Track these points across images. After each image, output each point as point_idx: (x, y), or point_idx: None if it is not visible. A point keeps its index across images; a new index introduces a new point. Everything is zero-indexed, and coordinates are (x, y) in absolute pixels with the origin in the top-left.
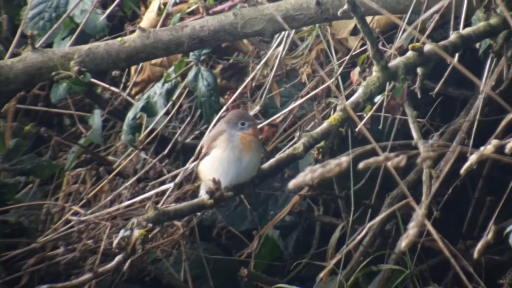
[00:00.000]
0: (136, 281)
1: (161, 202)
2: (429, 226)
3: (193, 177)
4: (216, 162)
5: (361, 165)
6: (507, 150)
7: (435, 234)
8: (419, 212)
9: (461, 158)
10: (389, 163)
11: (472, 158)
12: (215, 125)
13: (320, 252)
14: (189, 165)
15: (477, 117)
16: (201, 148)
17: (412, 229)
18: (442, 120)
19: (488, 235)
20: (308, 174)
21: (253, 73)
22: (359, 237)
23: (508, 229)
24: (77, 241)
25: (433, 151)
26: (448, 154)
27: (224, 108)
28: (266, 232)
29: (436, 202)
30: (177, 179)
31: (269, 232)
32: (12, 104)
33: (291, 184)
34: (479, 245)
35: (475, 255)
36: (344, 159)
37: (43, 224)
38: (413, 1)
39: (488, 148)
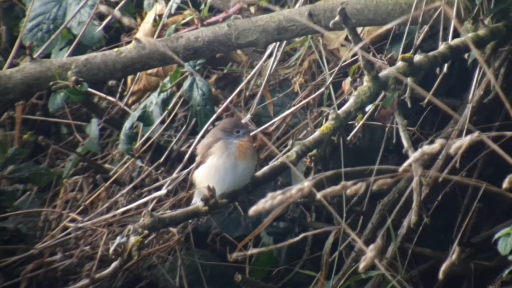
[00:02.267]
0: (132, 287)
1: (151, 208)
2: None
3: (188, 184)
4: (213, 169)
5: (319, 195)
6: (452, 150)
7: None
8: (378, 238)
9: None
10: (348, 191)
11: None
12: (206, 133)
13: (313, 259)
14: (179, 173)
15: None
16: (192, 155)
17: (370, 252)
18: (432, 128)
19: (453, 256)
20: (268, 201)
21: (244, 82)
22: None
23: (496, 236)
24: (74, 248)
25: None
26: (438, 162)
27: (215, 116)
28: (262, 239)
29: (426, 209)
30: (167, 186)
31: (264, 239)
32: (19, 114)
33: (251, 211)
34: (444, 267)
35: (440, 276)
36: (306, 184)
37: (41, 231)
38: (403, 13)
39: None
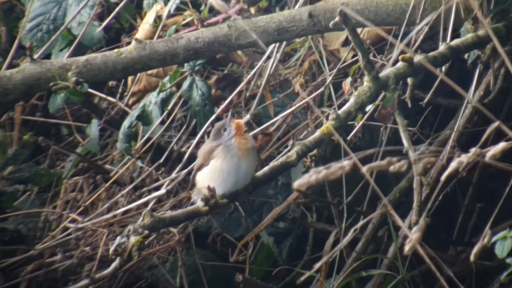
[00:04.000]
0: (133, 287)
1: (151, 208)
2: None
3: (189, 185)
4: (217, 171)
5: (365, 168)
6: (487, 158)
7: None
8: (422, 218)
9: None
10: (391, 167)
11: (452, 166)
12: (205, 133)
13: (314, 258)
14: (179, 173)
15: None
16: (192, 155)
17: (415, 234)
18: (432, 128)
19: (485, 239)
20: (313, 175)
21: (244, 82)
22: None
23: (494, 239)
24: (74, 248)
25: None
26: (438, 161)
27: (214, 116)
28: (261, 239)
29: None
30: (167, 186)
31: (263, 238)
32: (18, 115)
33: (296, 184)
34: (476, 249)
35: (472, 258)
36: (346, 163)
37: (41, 232)
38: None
39: (468, 155)
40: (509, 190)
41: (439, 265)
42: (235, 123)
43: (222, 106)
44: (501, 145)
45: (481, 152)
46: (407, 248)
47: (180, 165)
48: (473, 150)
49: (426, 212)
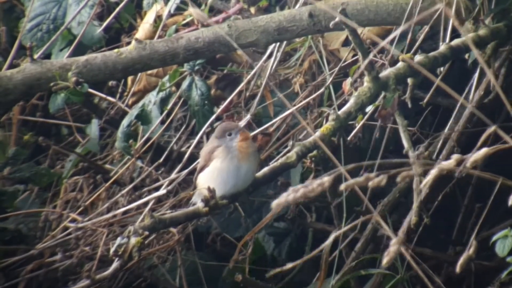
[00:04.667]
0: (133, 287)
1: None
2: None
3: (192, 186)
4: (216, 172)
5: (342, 187)
6: (468, 164)
7: None
8: (400, 231)
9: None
10: (369, 183)
11: (433, 173)
12: (205, 133)
13: (313, 259)
14: (179, 173)
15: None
16: (192, 155)
17: (393, 247)
18: (432, 128)
19: (470, 250)
20: (291, 194)
21: (244, 82)
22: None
23: (494, 238)
24: (74, 248)
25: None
26: (437, 162)
27: (214, 116)
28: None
29: (426, 209)
30: (167, 186)
31: (261, 238)
32: (16, 115)
33: (274, 204)
34: (461, 260)
35: (458, 269)
36: (326, 179)
37: (41, 231)
38: (404, 13)
39: (450, 162)
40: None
41: (438, 265)
42: (243, 135)
43: (222, 106)
44: (483, 150)
45: (462, 158)
46: (384, 261)
47: (180, 165)
48: (454, 156)
49: (425, 212)
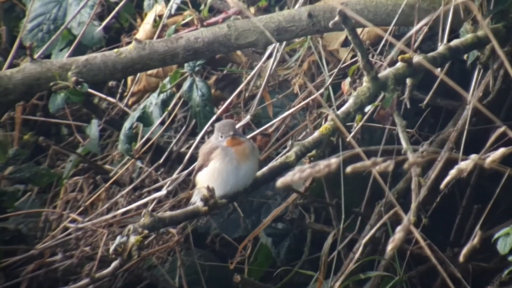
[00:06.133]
0: (132, 287)
1: (151, 208)
2: (417, 234)
3: (190, 186)
4: (215, 172)
5: (348, 169)
6: (486, 164)
7: (422, 242)
8: (406, 217)
9: (450, 167)
10: (376, 168)
11: (452, 173)
12: (205, 134)
13: (312, 259)
14: (179, 174)
15: (466, 126)
16: (192, 156)
17: (398, 233)
18: (431, 130)
19: (474, 240)
20: (296, 173)
21: (244, 82)
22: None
23: (496, 236)
24: (74, 248)
25: (422, 158)
26: (436, 163)
27: (215, 117)
28: (260, 239)
29: (424, 210)
30: (167, 187)
31: (262, 239)
32: (18, 115)
33: (279, 182)
34: (465, 250)
35: (461, 259)
36: (333, 160)
37: (42, 231)
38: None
39: (468, 162)
40: (506, 191)
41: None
42: (229, 142)
43: (222, 107)
44: (501, 150)
45: (480, 158)
46: (389, 247)
47: (181, 166)
48: (472, 156)
49: (424, 213)
